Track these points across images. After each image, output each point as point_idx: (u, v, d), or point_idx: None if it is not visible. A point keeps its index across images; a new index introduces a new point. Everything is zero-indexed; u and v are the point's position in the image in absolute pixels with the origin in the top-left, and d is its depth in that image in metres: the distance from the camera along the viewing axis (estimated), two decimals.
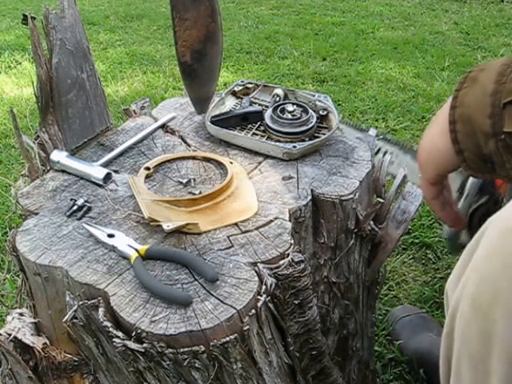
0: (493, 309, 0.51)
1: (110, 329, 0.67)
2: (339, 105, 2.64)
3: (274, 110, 1.01)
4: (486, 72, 0.65)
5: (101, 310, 0.68)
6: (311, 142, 0.96)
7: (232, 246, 0.77)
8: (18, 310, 0.83)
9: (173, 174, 0.93)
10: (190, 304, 0.68)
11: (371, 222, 0.92)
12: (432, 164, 0.74)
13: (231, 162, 0.93)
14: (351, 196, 0.86)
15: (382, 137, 1.34)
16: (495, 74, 0.63)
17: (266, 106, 1.07)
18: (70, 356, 0.81)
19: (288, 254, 0.76)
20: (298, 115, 0.99)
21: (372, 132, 1.04)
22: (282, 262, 0.75)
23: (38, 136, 0.97)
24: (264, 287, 0.71)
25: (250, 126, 1.03)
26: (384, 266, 1.05)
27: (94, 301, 0.69)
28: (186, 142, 1.02)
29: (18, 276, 1.51)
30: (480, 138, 0.64)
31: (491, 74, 0.64)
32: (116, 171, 0.93)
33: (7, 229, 1.83)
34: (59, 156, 0.93)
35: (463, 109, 0.66)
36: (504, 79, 0.62)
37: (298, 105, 1.02)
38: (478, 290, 0.53)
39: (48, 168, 0.95)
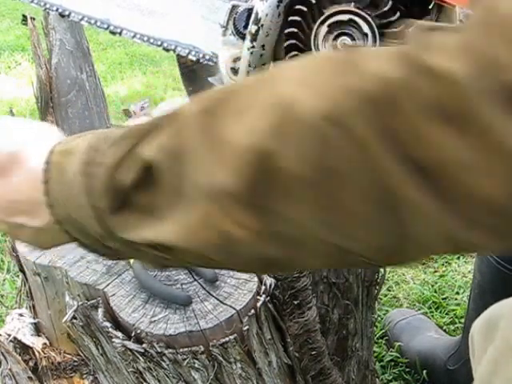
0: None
1: (110, 329, 0.67)
2: None
3: None
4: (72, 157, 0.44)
5: (100, 311, 0.69)
6: None
7: None
8: (18, 311, 0.83)
9: None
10: (190, 304, 0.68)
11: None
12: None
13: None
14: None
15: None
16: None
17: None
18: (69, 356, 0.81)
19: None
20: None
21: None
22: None
23: None
24: (263, 287, 0.71)
25: None
26: None
27: (93, 301, 0.69)
28: None
29: (17, 276, 1.51)
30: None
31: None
32: None
33: None
34: None
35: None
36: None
37: None
38: None
39: None
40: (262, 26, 0.61)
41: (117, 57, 3.38)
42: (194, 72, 0.93)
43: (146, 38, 0.79)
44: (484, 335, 0.60)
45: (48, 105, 0.97)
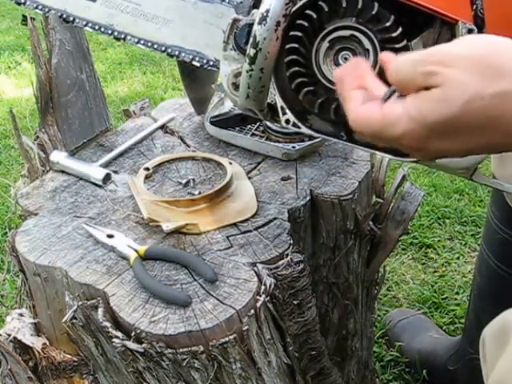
0: None
1: (110, 329, 0.67)
2: None
3: None
4: None
5: (100, 311, 0.69)
6: (310, 142, 0.96)
7: (231, 247, 0.78)
8: (18, 311, 0.83)
9: (172, 174, 0.93)
10: (190, 304, 0.68)
11: (370, 223, 0.92)
12: None
13: (230, 163, 0.93)
14: (350, 196, 0.86)
15: None
16: None
17: None
18: (69, 356, 0.81)
19: (287, 255, 0.76)
20: None
21: None
22: (281, 262, 0.75)
23: (38, 137, 0.97)
24: (263, 287, 0.71)
25: (249, 126, 1.03)
26: (383, 266, 1.05)
27: (93, 301, 0.69)
28: (185, 143, 1.02)
29: (17, 276, 1.51)
30: None
31: None
32: (115, 172, 0.94)
33: (7, 229, 1.83)
34: (59, 156, 0.93)
35: None
36: None
37: None
38: None
39: (47, 168, 0.95)
40: (260, 49, 0.60)
41: (117, 57, 3.38)
42: (194, 72, 0.93)
43: (149, 44, 0.79)
44: (497, 342, 0.60)
45: (48, 105, 0.97)
